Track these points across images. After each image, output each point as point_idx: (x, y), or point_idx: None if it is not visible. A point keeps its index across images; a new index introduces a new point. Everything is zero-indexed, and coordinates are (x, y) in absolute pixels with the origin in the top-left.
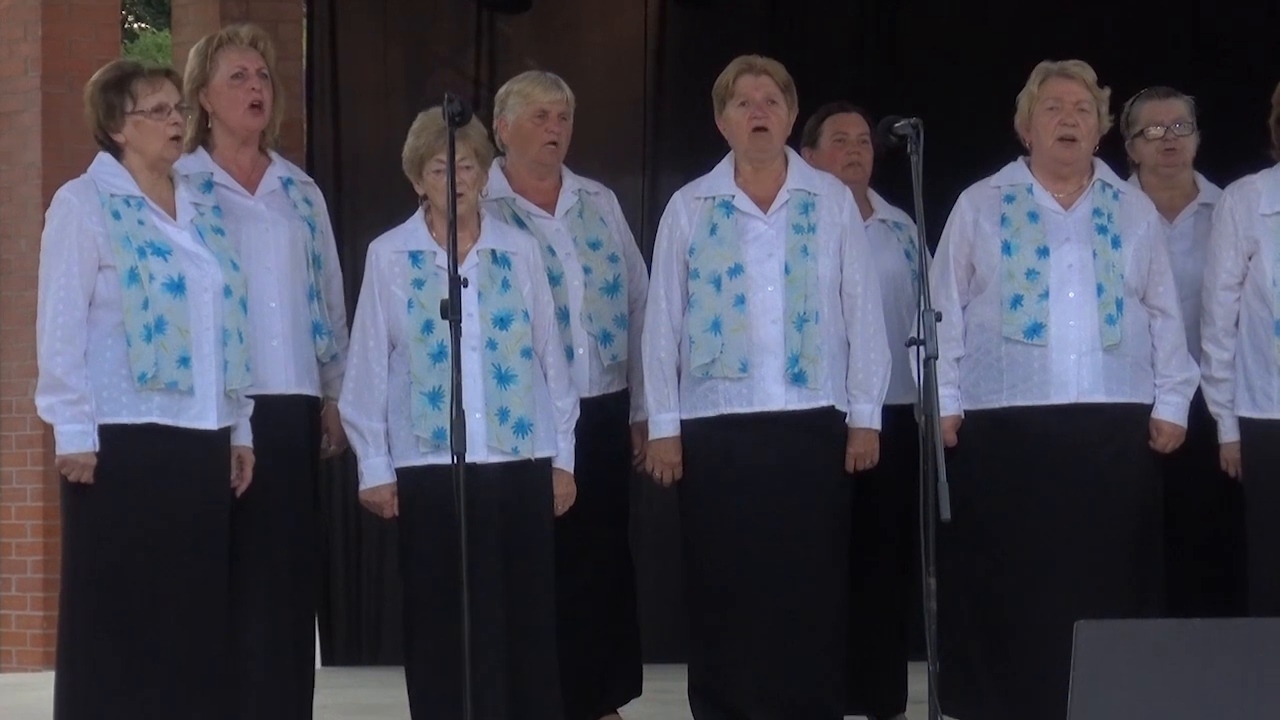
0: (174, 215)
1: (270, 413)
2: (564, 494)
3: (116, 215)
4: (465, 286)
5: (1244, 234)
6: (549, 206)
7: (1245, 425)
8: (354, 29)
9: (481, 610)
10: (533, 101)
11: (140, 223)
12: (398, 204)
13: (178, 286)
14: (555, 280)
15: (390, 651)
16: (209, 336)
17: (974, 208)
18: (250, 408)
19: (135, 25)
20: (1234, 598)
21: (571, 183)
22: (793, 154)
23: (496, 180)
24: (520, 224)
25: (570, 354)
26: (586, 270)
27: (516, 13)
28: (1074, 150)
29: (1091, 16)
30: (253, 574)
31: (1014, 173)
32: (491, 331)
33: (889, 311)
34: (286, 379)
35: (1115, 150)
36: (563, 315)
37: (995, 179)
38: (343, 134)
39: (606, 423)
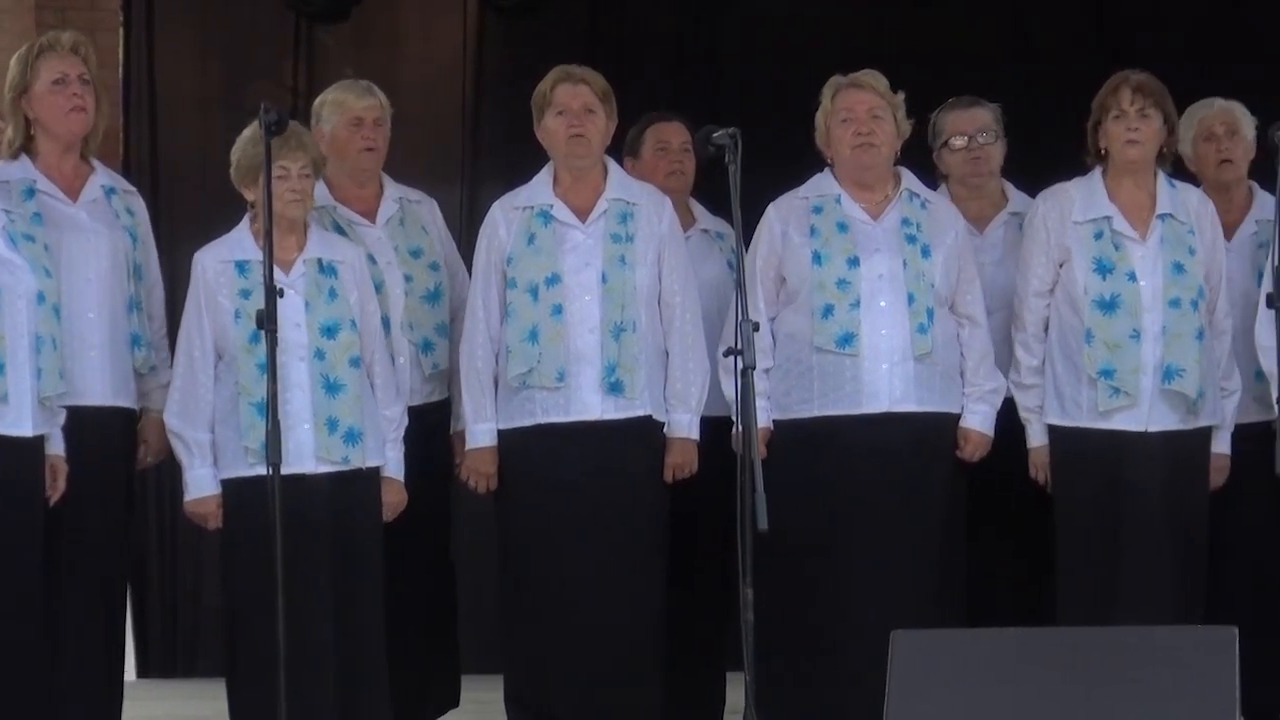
0: None
1: (86, 424)
2: (393, 502)
3: None
4: (281, 296)
5: (1056, 241)
6: (370, 215)
7: (1054, 433)
8: (172, 38)
9: (311, 620)
10: (347, 109)
11: None
12: (216, 214)
13: None
14: (377, 289)
15: (206, 664)
16: (23, 343)
17: (782, 219)
18: (63, 416)
19: None
20: (1044, 605)
21: (393, 191)
22: (612, 164)
23: (318, 189)
24: (341, 232)
25: (391, 362)
26: (408, 279)
27: (335, 23)
28: (873, 155)
29: (911, 26)
30: (64, 585)
31: (821, 183)
32: (319, 341)
33: (711, 322)
34: (103, 390)
35: (927, 164)
36: (384, 324)
37: (803, 190)
38: (160, 143)
39: (428, 432)
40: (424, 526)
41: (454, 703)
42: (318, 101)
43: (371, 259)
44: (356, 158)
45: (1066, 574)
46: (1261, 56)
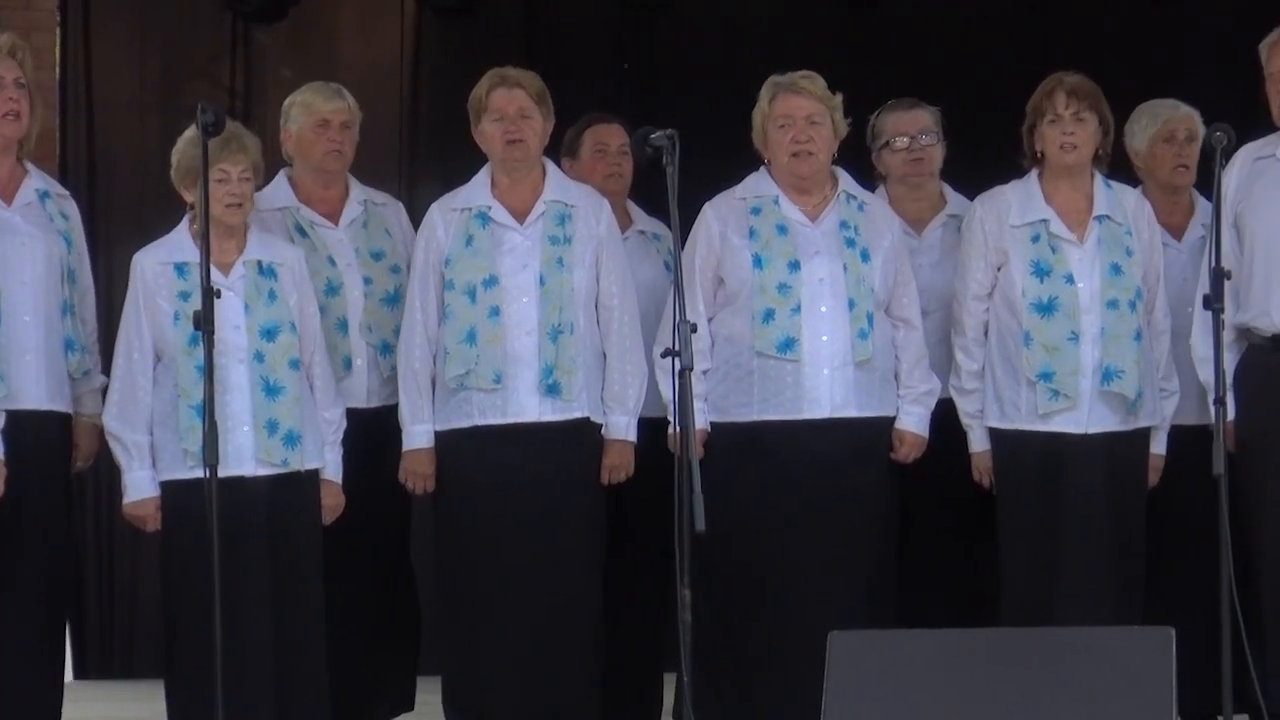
0: None
1: (23, 428)
2: (332, 505)
3: None
4: (218, 298)
5: (994, 245)
6: (334, 216)
7: (994, 436)
8: (108, 38)
9: (250, 623)
10: (314, 111)
11: None
12: (153, 215)
13: None
14: (335, 291)
15: (143, 665)
16: None
17: (720, 220)
18: (2, 419)
19: None
20: (982, 607)
21: (358, 193)
22: (551, 165)
23: (282, 189)
24: (303, 233)
25: (348, 364)
26: (367, 281)
27: (273, 23)
28: (811, 163)
29: (849, 28)
30: (2, 588)
31: (759, 184)
32: (259, 343)
33: (648, 323)
34: (39, 394)
35: (862, 165)
36: (341, 326)
37: (740, 190)
38: (97, 143)
39: (386, 434)
40: (381, 528)
41: (408, 706)
42: (287, 102)
43: (331, 260)
44: (321, 159)
45: (1008, 575)
46: (1198, 59)
